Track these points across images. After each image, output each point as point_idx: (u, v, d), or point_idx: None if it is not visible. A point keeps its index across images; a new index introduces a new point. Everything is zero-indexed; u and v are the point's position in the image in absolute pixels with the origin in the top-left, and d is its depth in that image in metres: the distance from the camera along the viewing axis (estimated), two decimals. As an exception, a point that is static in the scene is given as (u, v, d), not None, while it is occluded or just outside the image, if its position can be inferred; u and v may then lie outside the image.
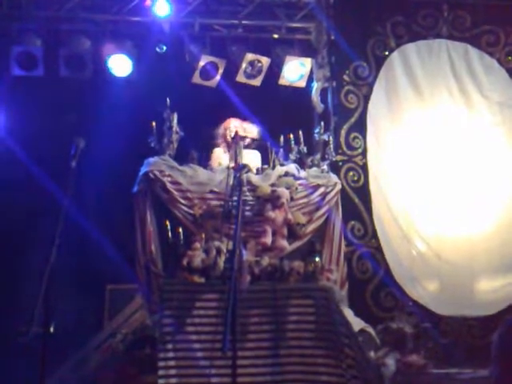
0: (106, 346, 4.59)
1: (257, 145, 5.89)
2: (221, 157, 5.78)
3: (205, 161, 5.65)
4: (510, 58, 6.77)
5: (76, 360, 4.50)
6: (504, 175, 6.40)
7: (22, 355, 3.62)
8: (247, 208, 5.24)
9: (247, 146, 5.73)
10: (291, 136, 5.64)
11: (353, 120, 6.41)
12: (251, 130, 5.85)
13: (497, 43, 6.79)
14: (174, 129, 5.43)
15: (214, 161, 5.76)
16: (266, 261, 4.98)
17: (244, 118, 5.95)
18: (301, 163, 5.64)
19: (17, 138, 5.88)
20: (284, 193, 5.27)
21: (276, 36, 6.93)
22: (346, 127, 6.37)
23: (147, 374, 4.43)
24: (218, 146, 5.91)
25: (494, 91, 6.64)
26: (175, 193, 5.19)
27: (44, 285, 3.22)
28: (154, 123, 5.34)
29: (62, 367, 4.44)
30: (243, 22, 6.83)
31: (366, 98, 6.48)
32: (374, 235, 6.03)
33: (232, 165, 5.19)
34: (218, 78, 6.71)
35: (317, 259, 5.14)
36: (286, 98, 6.80)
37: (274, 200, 5.25)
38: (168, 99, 5.49)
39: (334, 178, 5.63)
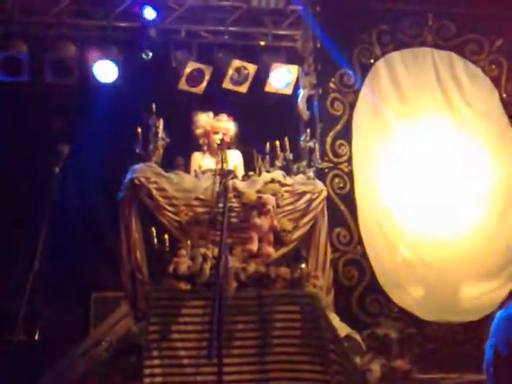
0: (90, 354, 4.54)
1: (237, 144, 5.90)
2: (200, 160, 5.76)
3: (187, 166, 5.63)
4: (494, 67, 6.86)
5: (60, 368, 4.46)
6: (489, 182, 6.46)
7: (6, 363, 3.58)
8: (233, 215, 5.22)
9: (228, 147, 5.73)
10: (277, 143, 5.64)
11: (338, 127, 6.45)
12: (232, 130, 5.85)
13: (481, 52, 6.88)
14: (159, 135, 5.40)
15: (194, 165, 5.73)
16: (252, 267, 4.96)
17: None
18: (287, 170, 5.63)
19: (0, 143, 5.83)
20: (270, 199, 5.27)
21: (262, 43, 6.96)
22: (331, 134, 6.40)
23: (133, 382, 4.39)
24: (197, 141, 5.86)
25: (479, 99, 6.72)
26: (161, 199, 5.16)
27: (27, 293, 3.19)
28: (139, 129, 5.32)
29: (46, 375, 4.39)
30: (230, 28, 6.86)
31: (352, 106, 6.53)
32: (360, 242, 6.06)
33: (218, 169, 5.19)
34: (204, 84, 6.72)
35: (303, 266, 5.13)
36: (272, 104, 6.83)
37: (259, 206, 5.23)
38: (154, 105, 5.47)
39: (319, 184, 5.62)
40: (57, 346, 4.56)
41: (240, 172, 5.71)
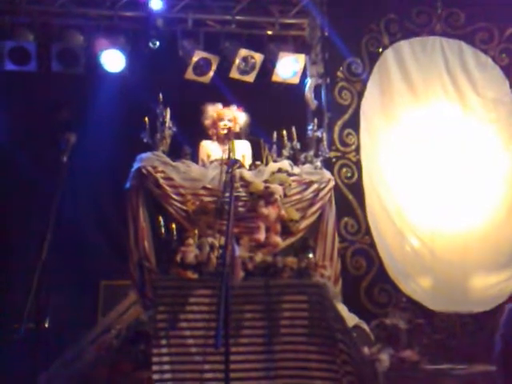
0: (100, 342, 4.57)
1: (246, 134, 5.88)
2: (209, 149, 5.74)
3: (194, 155, 5.62)
4: (504, 55, 6.80)
5: (70, 356, 4.49)
6: (498, 172, 6.42)
7: (16, 351, 3.61)
8: (240, 204, 5.21)
9: (237, 137, 5.72)
10: (284, 132, 5.62)
11: (346, 116, 6.41)
12: (241, 120, 5.84)
13: (491, 40, 6.82)
14: (166, 124, 5.39)
15: (202, 154, 5.73)
16: (259, 257, 4.96)
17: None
18: (294, 160, 5.62)
19: (8, 132, 5.85)
20: (277, 189, 5.25)
21: (270, 32, 6.93)
22: (339, 124, 6.37)
23: (141, 370, 4.41)
24: (207, 132, 5.85)
25: (489, 88, 6.66)
26: (168, 189, 5.15)
27: (35, 281, 3.20)
28: (146, 119, 5.31)
29: (56, 363, 4.42)
30: (237, 17, 6.83)
31: (360, 95, 6.48)
32: (368, 231, 6.03)
33: (225, 157, 5.17)
34: (211, 73, 6.70)
35: (310, 255, 5.12)
36: (280, 94, 6.80)
37: (267, 196, 5.21)
38: (161, 95, 5.45)
39: (327, 174, 5.60)
40: (66, 333, 4.59)
41: (248, 162, 5.70)
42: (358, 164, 6.24)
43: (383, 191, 6.20)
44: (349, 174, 6.20)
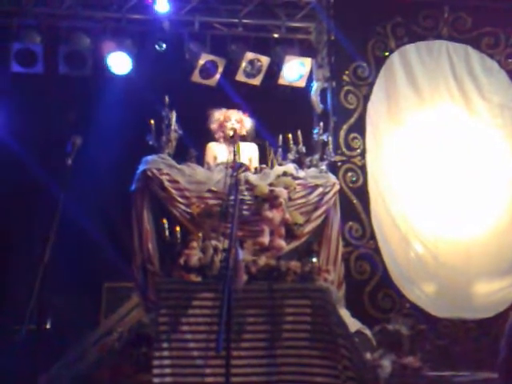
0: (101, 344, 4.57)
1: (252, 137, 5.89)
2: (216, 151, 5.76)
3: (200, 158, 5.64)
4: (510, 60, 6.77)
5: (71, 358, 4.50)
6: (503, 178, 6.39)
7: (17, 352, 3.62)
8: (245, 207, 5.21)
9: (243, 139, 5.73)
10: (290, 136, 5.61)
11: (352, 120, 6.39)
12: (247, 123, 5.85)
13: (497, 45, 6.79)
14: (172, 127, 5.40)
15: (208, 156, 5.74)
16: (263, 260, 4.95)
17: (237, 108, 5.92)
18: (299, 163, 5.62)
19: (15, 134, 5.88)
20: (282, 192, 5.25)
21: (276, 35, 6.95)
22: (345, 127, 6.34)
23: (143, 373, 4.41)
24: (213, 136, 5.87)
25: (495, 93, 6.64)
26: (173, 191, 5.16)
27: (38, 282, 3.21)
28: (152, 121, 5.32)
29: (57, 364, 4.43)
30: (243, 20, 6.85)
31: (366, 99, 6.45)
32: (372, 236, 5.99)
33: (230, 160, 5.18)
34: (217, 76, 6.72)
35: (314, 259, 5.11)
36: (286, 97, 6.80)
37: (271, 199, 5.22)
38: (167, 97, 5.47)
39: (332, 178, 5.60)
40: (69, 334, 4.60)
41: (255, 165, 5.71)
42: (364, 168, 6.21)
43: (388, 196, 6.16)
44: (354, 178, 6.18)
